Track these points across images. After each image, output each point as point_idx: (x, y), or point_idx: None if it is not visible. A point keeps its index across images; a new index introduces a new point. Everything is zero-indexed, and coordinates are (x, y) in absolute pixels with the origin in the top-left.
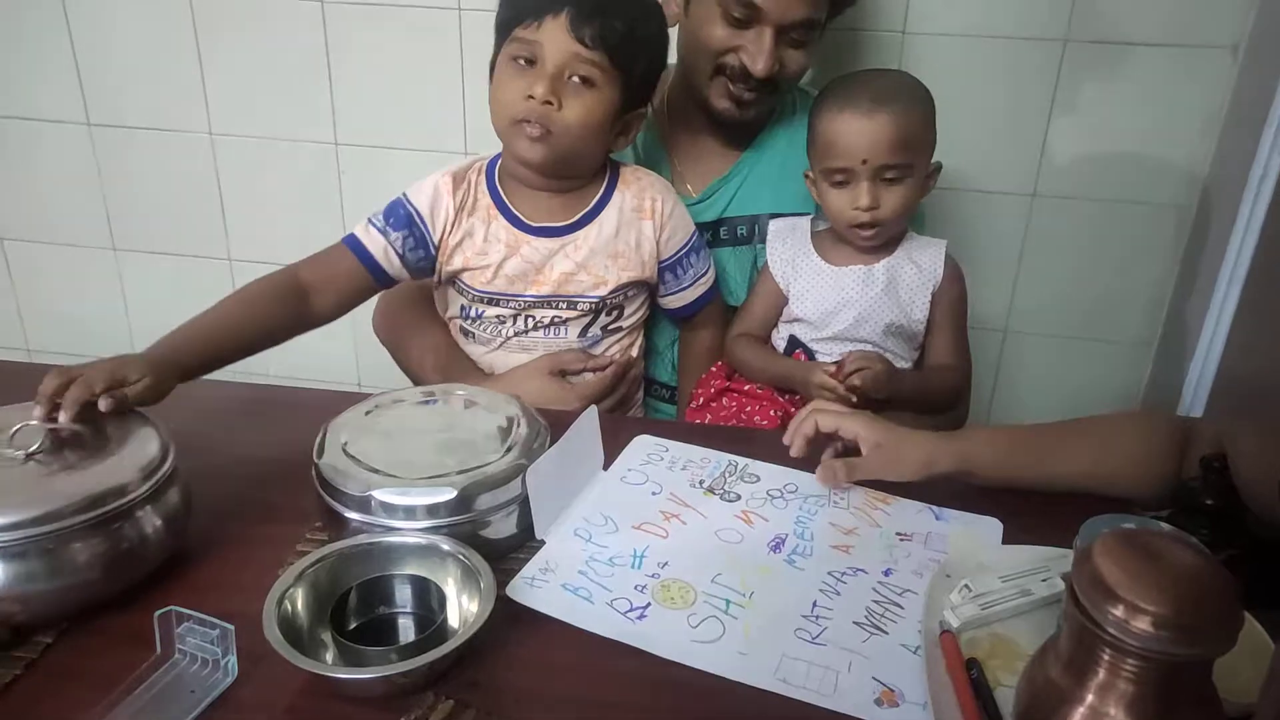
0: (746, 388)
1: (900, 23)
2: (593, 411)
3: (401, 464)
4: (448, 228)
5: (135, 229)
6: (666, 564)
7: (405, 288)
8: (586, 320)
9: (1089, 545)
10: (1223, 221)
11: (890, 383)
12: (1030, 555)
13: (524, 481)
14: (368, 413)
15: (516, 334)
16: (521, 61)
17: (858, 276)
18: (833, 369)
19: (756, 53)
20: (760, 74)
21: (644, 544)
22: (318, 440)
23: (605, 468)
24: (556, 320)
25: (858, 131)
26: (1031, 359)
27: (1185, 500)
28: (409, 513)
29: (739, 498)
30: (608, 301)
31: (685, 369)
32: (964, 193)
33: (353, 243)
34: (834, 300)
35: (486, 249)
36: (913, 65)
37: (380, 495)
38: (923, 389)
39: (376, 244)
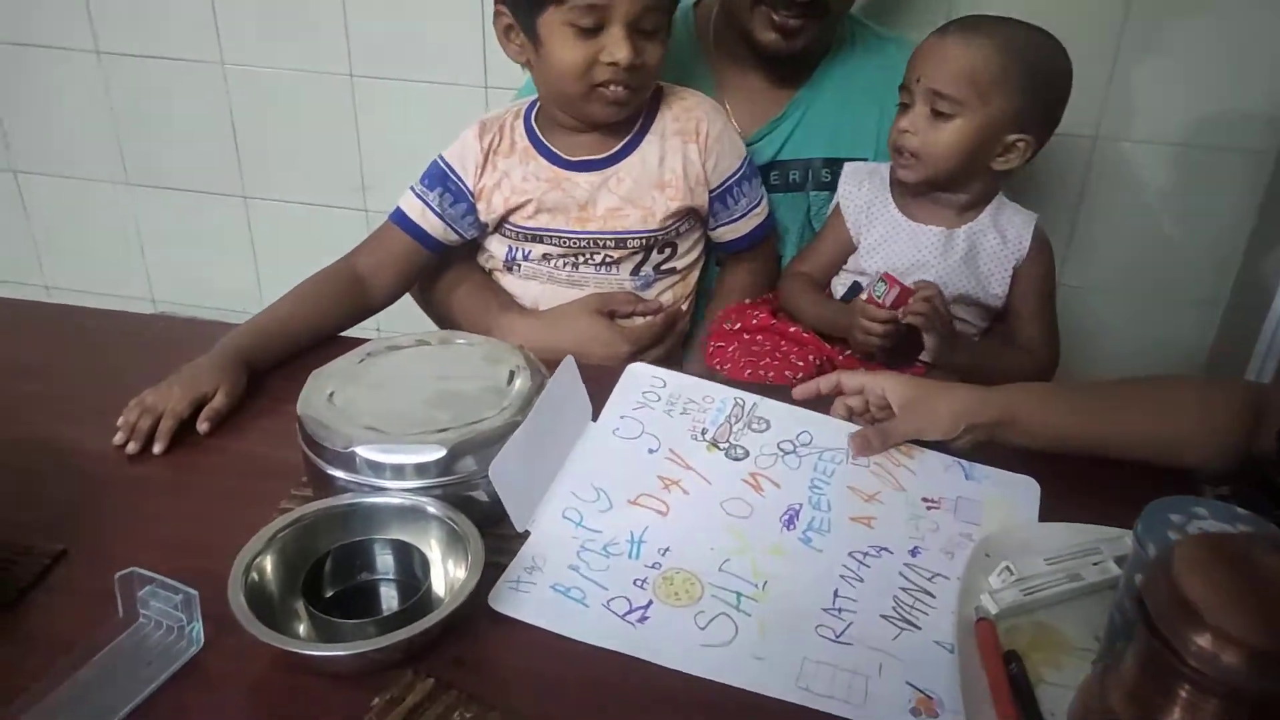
0: (791, 329)
1: None
2: (570, 362)
3: (390, 417)
4: (478, 171)
5: (148, 163)
6: (668, 550)
7: None
8: (639, 259)
9: (1167, 554)
10: None
11: (945, 350)
12: (1079, 534)
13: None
14: (360, 361)
15: (566, 269)
16: (580, 26)
17: (937, 239)
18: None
19: None
20: None
21: (642, 525)
22: (303, 390)
23: (594, 418)
24: (608, 260)
25: (926, 50)
26: (1085, 316)
27: (1257, 478)
28: (396, 471)
29: (746, 454)
30: (659, 238)
31: (720, 301)
32: None
33: (397, 215)
34: (908, 260)
35: (525, 187)
36: None
37: (364, 452)
38: (981, 366)
39: (415, 208)
